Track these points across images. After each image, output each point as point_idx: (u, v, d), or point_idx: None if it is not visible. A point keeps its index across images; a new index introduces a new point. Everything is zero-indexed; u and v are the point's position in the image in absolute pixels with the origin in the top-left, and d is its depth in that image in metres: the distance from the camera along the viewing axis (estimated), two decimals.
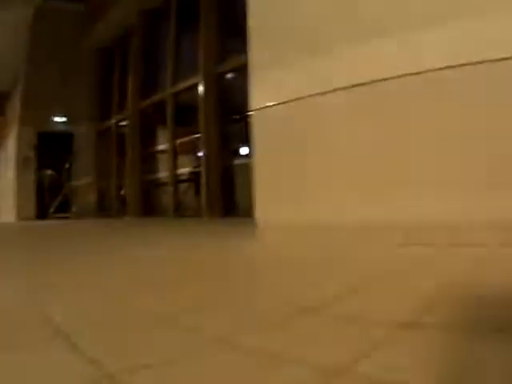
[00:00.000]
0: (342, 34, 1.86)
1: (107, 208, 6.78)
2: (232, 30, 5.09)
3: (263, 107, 2.16)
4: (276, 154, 2.12)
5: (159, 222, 4.70)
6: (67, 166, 7.18)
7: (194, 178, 5.40)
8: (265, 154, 2.18)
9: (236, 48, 4.83)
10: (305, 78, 1.98)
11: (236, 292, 0.91)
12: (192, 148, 5.65)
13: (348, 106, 1.82)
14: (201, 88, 5.11)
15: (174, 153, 5.51)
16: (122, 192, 6.22)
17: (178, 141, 5.60)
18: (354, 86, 1.77)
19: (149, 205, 6.07)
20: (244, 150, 5.03)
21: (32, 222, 6.66)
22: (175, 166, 5.50)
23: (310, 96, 1.94)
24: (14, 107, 8.80)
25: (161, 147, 6.02)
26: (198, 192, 5.36)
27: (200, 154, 5.31)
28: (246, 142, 4.98)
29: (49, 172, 7.45)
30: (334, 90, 1.85)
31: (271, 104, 2.12)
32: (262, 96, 2.19)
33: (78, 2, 7.98)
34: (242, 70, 4.75)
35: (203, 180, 4.81)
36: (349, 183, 1.82)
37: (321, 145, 1.92)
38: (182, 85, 5.57)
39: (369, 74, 1.73)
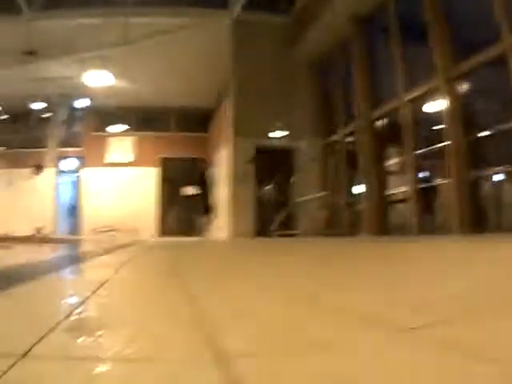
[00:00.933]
0: None
1: (336, 225, 10.69)
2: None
3: None
4: None
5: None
6: (292, 180, 11.46)
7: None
8: None
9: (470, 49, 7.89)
10: None
11: None
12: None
13: None
14: (440, 94, 8.31)
15: (416, 166, 8.91)
16: (358, 208, 9.99)
17: (416, 153, 8.98)
18: None
19: (384, 222, 9.66)
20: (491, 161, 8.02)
21: (263, 240, 11.09)
22: (416, 181, 8.90)
23: None
24: (221, 123, 13.96)
25: (396, 160, 9.56)
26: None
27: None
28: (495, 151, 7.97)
29: (269, 187, 11.92)
30: None
31: None
32: None
33: (281, 13, 12.48)
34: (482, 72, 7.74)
35: (452, 195, 8.02)
36: None
37: None
38: (418, 91, 8.90)
39: None
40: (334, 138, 11.45)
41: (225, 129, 13.59)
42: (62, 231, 18.60)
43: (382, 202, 9.72)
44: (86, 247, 10.40)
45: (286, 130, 12.27)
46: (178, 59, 13.86)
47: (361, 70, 10.41)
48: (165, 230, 17.53)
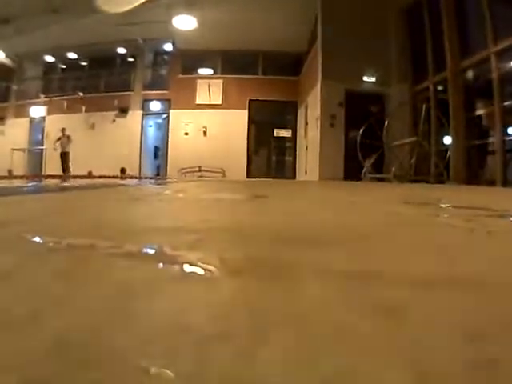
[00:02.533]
0: None
1: (424, 171, 12.53)
2: None
3: None
4: None
5: None
6: (385, 125, 13.32)
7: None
8: None
9: None
10: None
11: None
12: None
13: None
14: None
15: (503, 119, 10.57)
16: (446, 156, 11.79)
17: (503, 105, 10.59)
18: None
19: (472, 171, 11.43)
20: None
21: (349, 183, 13.17)
22: (503, 133, 10.57)
23: None
24: (312, 67, 15.87)
25: (484, 111, 11.24)
26: None
27: None
28: None
29: (359, 132, 13.84)
30: None
31: None
32: None
33: None
34: None
35: None
36: None
37: None
38: (506, 43, 10.41)
39: None
40: (424, 85, 13.12)
41: (315, 72, 15.48)
42: (147, 172, 21.53)
43: (469, 153, 11.47)
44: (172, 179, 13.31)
45: (376, 76, 14.07)
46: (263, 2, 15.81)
47: (449, 19, 11.82)
48: (253, 171, 20.07)
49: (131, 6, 15.45)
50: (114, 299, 0.72)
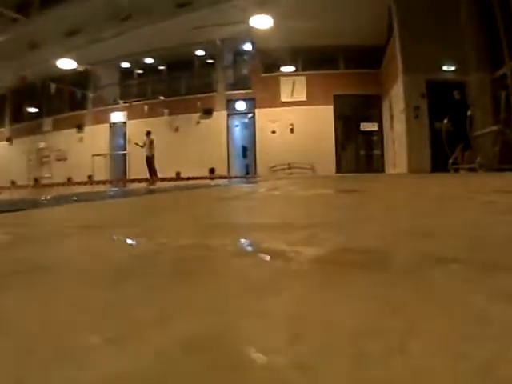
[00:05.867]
0: None
1: (509, 160, 13.99)
2: None
3: None
4: None
5: None
6: (468, 114, 14.89)
7: None
8: None
9: None
10: None
11: None
12: None
13: None
14: None
15: None
16: None
17: None
18: None
19: None
20: None
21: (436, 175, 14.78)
22: None
23: None
24: (392, 59, 17.71)
25: None
26: None
27: None
28: None
29: (444, 122, 15.54)
30: None
31: None
32: None
33: None
34: None
35: None
36: None
37: None
38: None
39: None
40: (502, 71, 14.47)
41: (395, 65, 17.13)
42: (236, 172, 23.83)
43: None
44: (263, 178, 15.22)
45: (456, 64, 15.70)
46: None
47: None
48: (342, 167, 22.15)
49: None
50: (244, 299, 0.75)
